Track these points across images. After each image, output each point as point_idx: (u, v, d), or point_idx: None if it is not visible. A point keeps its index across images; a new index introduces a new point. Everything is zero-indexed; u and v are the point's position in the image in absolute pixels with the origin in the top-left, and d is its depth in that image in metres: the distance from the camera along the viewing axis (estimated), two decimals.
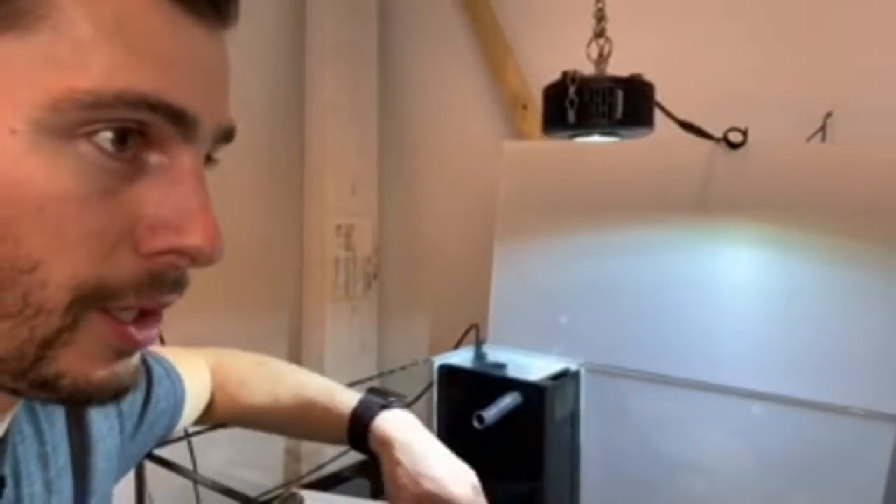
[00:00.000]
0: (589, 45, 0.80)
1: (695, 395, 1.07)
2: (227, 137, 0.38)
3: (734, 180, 1.01)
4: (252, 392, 0.73)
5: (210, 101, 0.35)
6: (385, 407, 0.69)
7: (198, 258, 0.35)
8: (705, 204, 1.04)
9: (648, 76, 0.86)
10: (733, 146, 0.98)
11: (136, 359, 0.37)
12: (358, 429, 0.68)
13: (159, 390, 0.63)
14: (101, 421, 0.51)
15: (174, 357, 0.69)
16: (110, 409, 0.53)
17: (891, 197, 0.94)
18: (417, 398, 1.51)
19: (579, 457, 1.16)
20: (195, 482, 1.17)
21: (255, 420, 0.75)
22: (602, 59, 0.78)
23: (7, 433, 0.40)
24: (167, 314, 1.27)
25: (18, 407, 0.40)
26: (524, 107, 1.46)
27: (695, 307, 1.08)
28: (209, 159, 0.39)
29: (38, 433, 0.44)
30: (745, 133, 0.97)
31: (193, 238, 0.34)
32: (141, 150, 0.33)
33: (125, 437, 0.56)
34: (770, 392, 1.01)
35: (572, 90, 0.75)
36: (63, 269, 0.31)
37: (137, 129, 0.32)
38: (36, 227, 0.30)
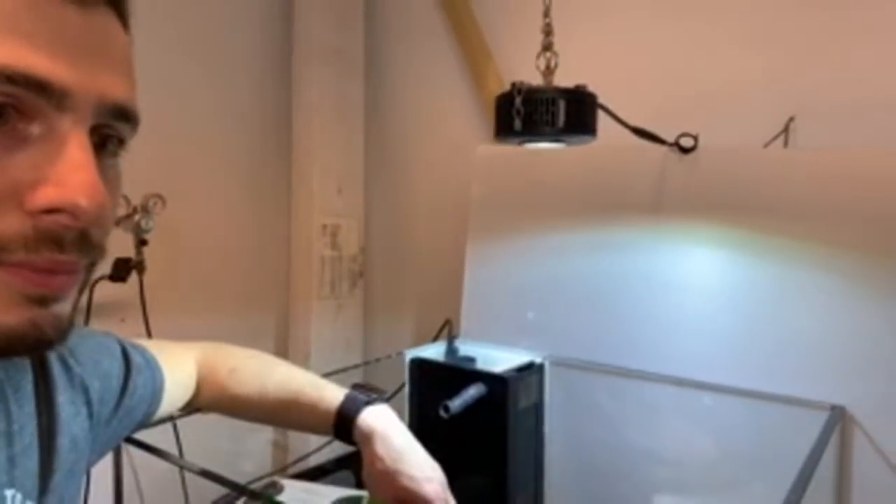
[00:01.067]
0: (537, 57, 0.85)
1: (653, 388, 1.13)
2: (123, 115, 0.40)
3: (687, 183, 1.06)
4: (240, 382, 0.76)
5: (85, 73, 0.37)
6: (368, 403, 0.73)
7: (78, 214, 0.36)
8: (661, 206, 1.09)
9: (606, 84, 0.91)
10: (685, 151, 1.04)
11: (58, 309, 0.39)
12: (344, 422, 0.72)
13: (138, 379, 0.66)
14: (67, 406, 0.55)
15: (158, 348, 0.72)
16: (77, 396, 0.56)
17: (832, 199, 1.00)
18: (396, 392, 1.56)
19: (543, 447, 1.22)
20: (181, 468, 1.21)
21: (243, 409, 0.78)
22: (549, 70, 0.83)
23: None
24: (155, 313, 1.35)
25: None
26: None
27: (653, 304, 1.14)
28: (120, 142, 0.42)
29: (6, 413, 0.48)
30: (695, 138, 1.03)
31: (71, 193, 0.36)
32: (17, 122, 0.36)
33: (98, 422, 0.60)
34: (722, 383, 1.07)
35: (518, 100, 0.81)
36: None
37: (10, 102, 0.35)
38: None
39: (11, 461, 0.47)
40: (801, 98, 1.18)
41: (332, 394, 0.74)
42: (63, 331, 0.39)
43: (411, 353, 1.23)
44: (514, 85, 0.83)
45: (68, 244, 0.37)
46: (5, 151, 0.35)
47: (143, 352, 0.70)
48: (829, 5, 1.16)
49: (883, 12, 1.09)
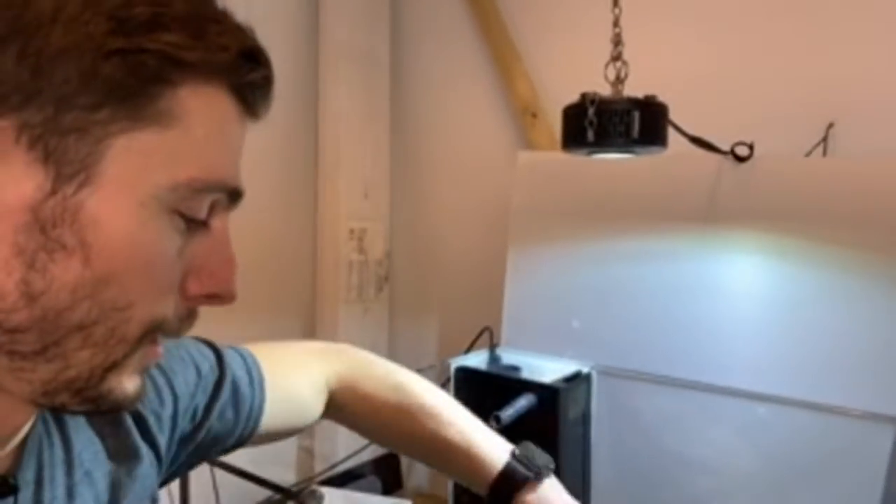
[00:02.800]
0: (606, 67, 0.84)
1: (701, 397, 1.12)
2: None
3: (740, 192, 1.06)
4: (384, 424, 0.72)
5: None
6: (537, 474, 0.67)
7: (226, 299, 0.43)
8: (712, 215, 1.09)
9: (659, 93, 0.90)
10: (740, 160, 1.03)
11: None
12: (502, 490, 0.67)
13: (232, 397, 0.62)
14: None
15: (275, 360, 0.68)
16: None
17: (888, 208, 0.99)
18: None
19: (590, 456, 1.21)
20: (222, 467, 1.17)
21: (385, 445, 0.77)
22: (619, 80, 0.82)
23: (26, 439, 0.44)
24: None
25: (36, 415, 0.45)
26: (533, 115, 1.50)
27: (701, 313, 1.13)
28: None
29: (65, 440, 0.47)
30: (751, 147, 1.02)
31: (227, 285, 0.43)
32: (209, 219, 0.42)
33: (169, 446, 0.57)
34: (773, 394, 1.06)
35: (591, 111, 0.80)
36: (145, 309, 0.39)
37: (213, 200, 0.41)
38: (139, 277, 0.38)
39: (69, 492, 0.46)
40: (839, 104, 1.18)
41: (488, 454, 0.69)
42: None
43: (456, 362, 1.22)
44: (585, 96, 0.82)
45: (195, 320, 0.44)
46: (188, 241, 0.40)
47: (252, 372, 0.65)
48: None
49: None
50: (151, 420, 0.54)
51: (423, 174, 1.76)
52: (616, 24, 0.82)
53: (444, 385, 1.31)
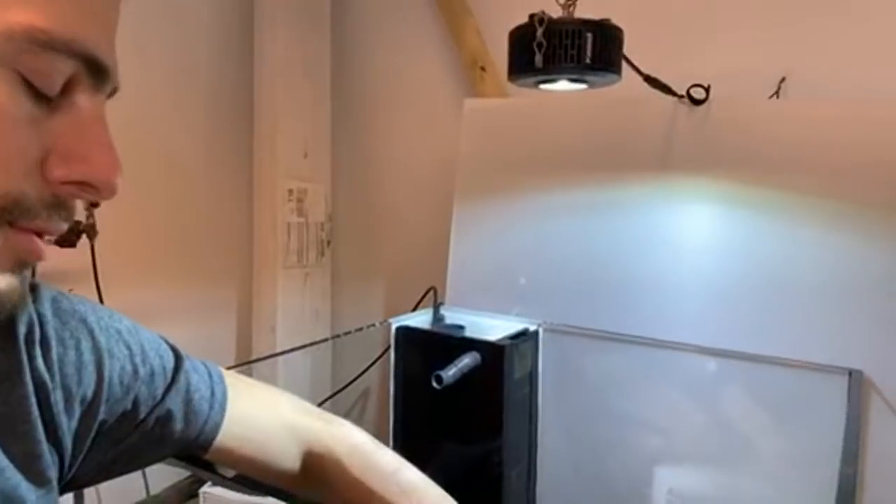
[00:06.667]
0: None
1: (653, 353, 1.08)
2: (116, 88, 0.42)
3: (696, 137, 1.01)
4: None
5: (115, 55, 0.39)
6: None
7: (102, 189, 0.39)
8: (666, 162, 1.04)
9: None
10: (696, 102, 0.98)
11: (24, 278, 0.40)
12: None
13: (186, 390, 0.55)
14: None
15: (250, 392, 0.61)
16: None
17: (848, 154, 0.96)
18: (374, 362, 1.48)
19: (537, 417, 1.16)
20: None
21: None
22: (570, 1, 0.75)
23: None
24: (108, 282, 1.20)
25: None
26: (482, 69, 1.43)
27: (653, 266, 1.08)
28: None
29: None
30: (707, 90, 0.97)
31: (102, 174, 0.38)
32: (65, 92, 0.37)
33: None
34: (726, 348, 1.02)
35: (540, 32, 0.72)
36: None
37: (70, 73, 0.36)
38: None
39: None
40: (790, 60, 1.14)
41: None
42: (22, 301, 0.40)
43: (397, 321, 1.14)
44: (533, 17, 0.75)
45: (69, 211, 0.39)
46: (47, 116, 0.36)
47: (212, 375, 0.59)
48: None
49: None
50: (57, 395, 0.47)
51: (367, 132, 1.68)
52: None
53: (386, 348, 1.24)
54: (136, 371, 0.52)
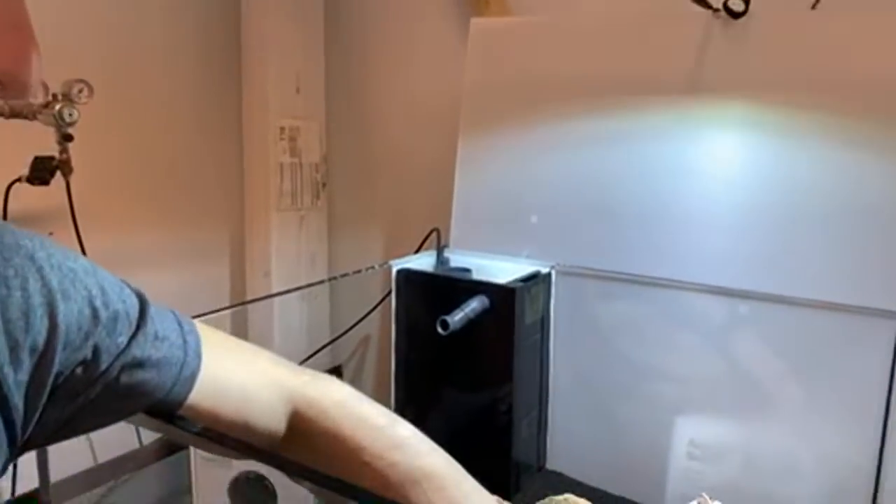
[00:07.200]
0: None
1: (675, 296, 1.00)
2: None
3: (732, 56, 0.90)
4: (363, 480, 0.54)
5: None
6: None
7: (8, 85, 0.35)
8: (696, 84, 0.94)
9: None
10: (734, 15, 0.87)
11: None
12: None
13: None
14: None
15: (228, 344, 0.55)
16: None
17: None
18: (375, 307, 1.41)
19: (549, 364, 1.09)
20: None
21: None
22: None
23: None
24: (88, 225, 1.09)
25: None
26: None
27: (678, 201, 0.99)
28: None
29: None
30: (747, 1, 0.86)
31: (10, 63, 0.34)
32: None
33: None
34: (757, 290, 0.94)
35: None
36: None
37: None
38: None
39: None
40: None
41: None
42: None
43: (398, 264, 1.06)
44: None
45: None
46: None
47: (182, 324, 0.51)
48: None
49: None
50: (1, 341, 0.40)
51: (364, 63, 1.58)
52: None
53: (387, 292, 1.16)
54: (96, 315, 0.45)
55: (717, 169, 0.95)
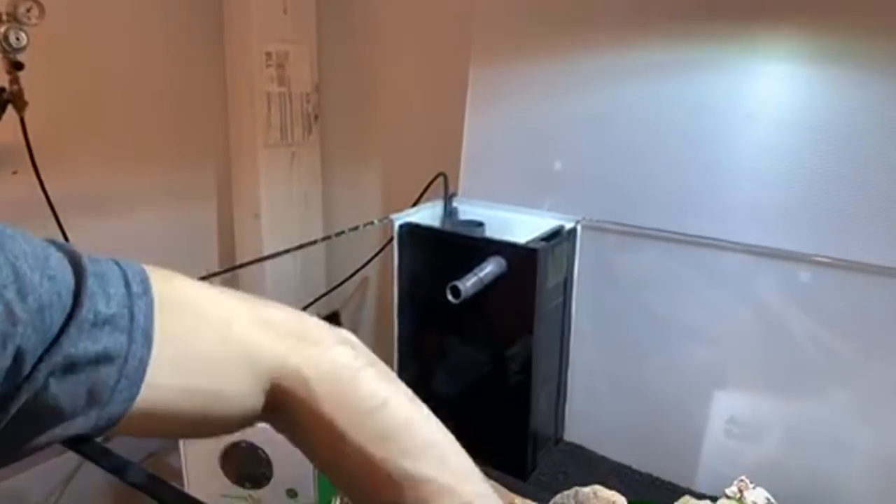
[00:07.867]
0: None
1: (716, 256, 0.88)
2: None
3: None
4: (344, 471, 0.45)
5: None
6: None
7: None
8: (737, 9, 0.79)
9: None
10: None
11: None
12: None
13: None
14: None
15: (193, 311, 0.42)
16: None
17: None
18: (368, 262, 1.30)
19: (570, 329, 0.98)
20: None
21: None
22: None
23: None
24: (49, 165, 0.90)
25: None
26: None
27: (719, 145, 0.86)
28: None
29: None
30: None
31: None
32: None
33: None
34: (810, 252, 0.82)
35: None
36: None
37: None
38: None
39: None
40: None
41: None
42: None
43: (400, 218, 0.93)
44: None
45: None
46: None
47: (132, 289, 0.38)
48: None
49: None
50: None
51: None
52: None
53: (387, 240, 1.04)
54: (10, 311, 0.32)
55: (762, 108, 0.81)
